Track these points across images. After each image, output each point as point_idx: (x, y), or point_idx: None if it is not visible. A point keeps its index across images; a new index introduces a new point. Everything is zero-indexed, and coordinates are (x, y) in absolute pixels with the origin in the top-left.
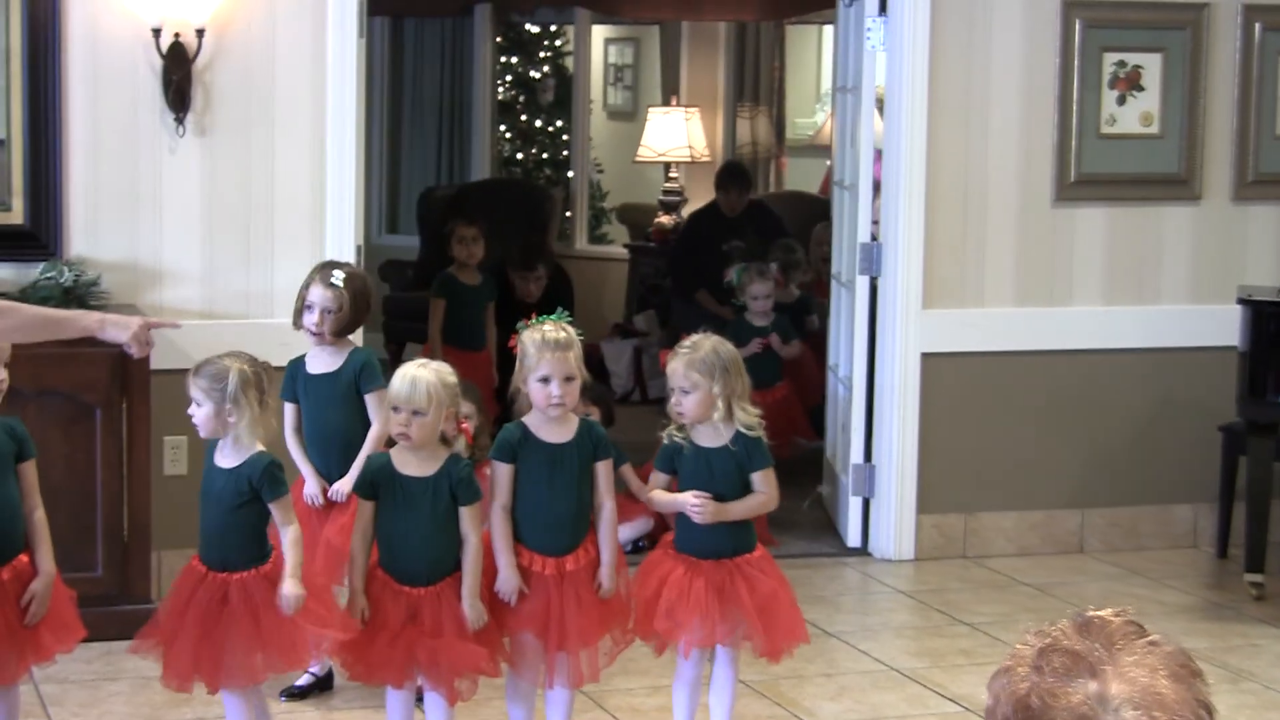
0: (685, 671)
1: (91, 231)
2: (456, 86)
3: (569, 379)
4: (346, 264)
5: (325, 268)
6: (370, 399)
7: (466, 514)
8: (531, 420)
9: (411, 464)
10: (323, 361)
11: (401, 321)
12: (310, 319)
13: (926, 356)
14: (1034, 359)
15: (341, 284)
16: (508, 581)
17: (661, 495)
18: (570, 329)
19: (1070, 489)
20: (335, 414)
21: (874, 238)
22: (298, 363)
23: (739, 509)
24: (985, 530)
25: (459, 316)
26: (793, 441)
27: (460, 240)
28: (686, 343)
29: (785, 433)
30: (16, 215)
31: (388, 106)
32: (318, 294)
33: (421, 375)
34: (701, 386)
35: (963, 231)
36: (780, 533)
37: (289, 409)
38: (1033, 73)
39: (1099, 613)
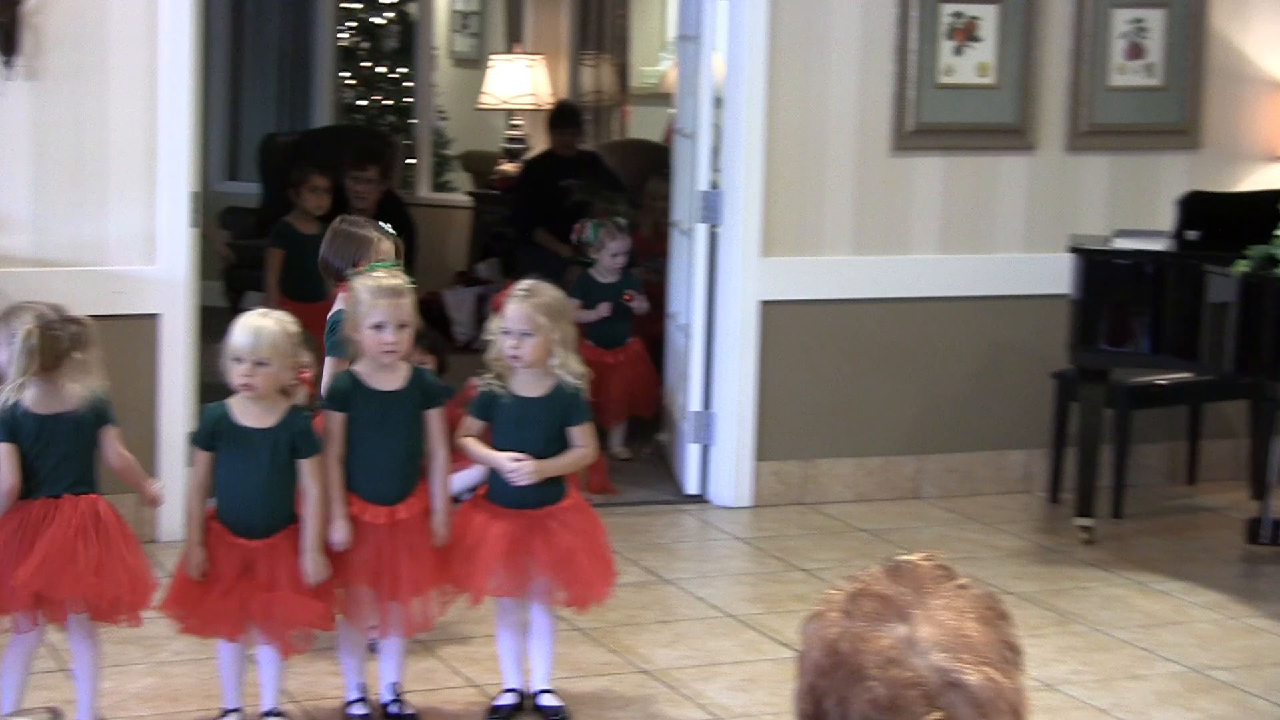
0: (502, 619)
1: None
2: (298, 32)
3: (402, 326)
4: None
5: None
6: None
7: (307, 466)
8: (362, 368)
9: (251, 415)
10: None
11: (242, 269)
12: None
13: (765, 304)
14: (872, 307)
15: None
16: (339, 532)
17: (477, 448)
18: (403, 276)
19: (907, 436)
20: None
21: (714, 186)
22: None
23: (557, 465)
24: (823, 477)
25: (299, 266)
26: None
27: (313, 190)
28: (524, 285)
29: (642, 389)
30: None
31: (228, 52)
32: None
33: (265, 325)
34: (543, 330)
35: (801, 180)
36: (619, 480)
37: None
38: (871, 22)
39: (909, 557)
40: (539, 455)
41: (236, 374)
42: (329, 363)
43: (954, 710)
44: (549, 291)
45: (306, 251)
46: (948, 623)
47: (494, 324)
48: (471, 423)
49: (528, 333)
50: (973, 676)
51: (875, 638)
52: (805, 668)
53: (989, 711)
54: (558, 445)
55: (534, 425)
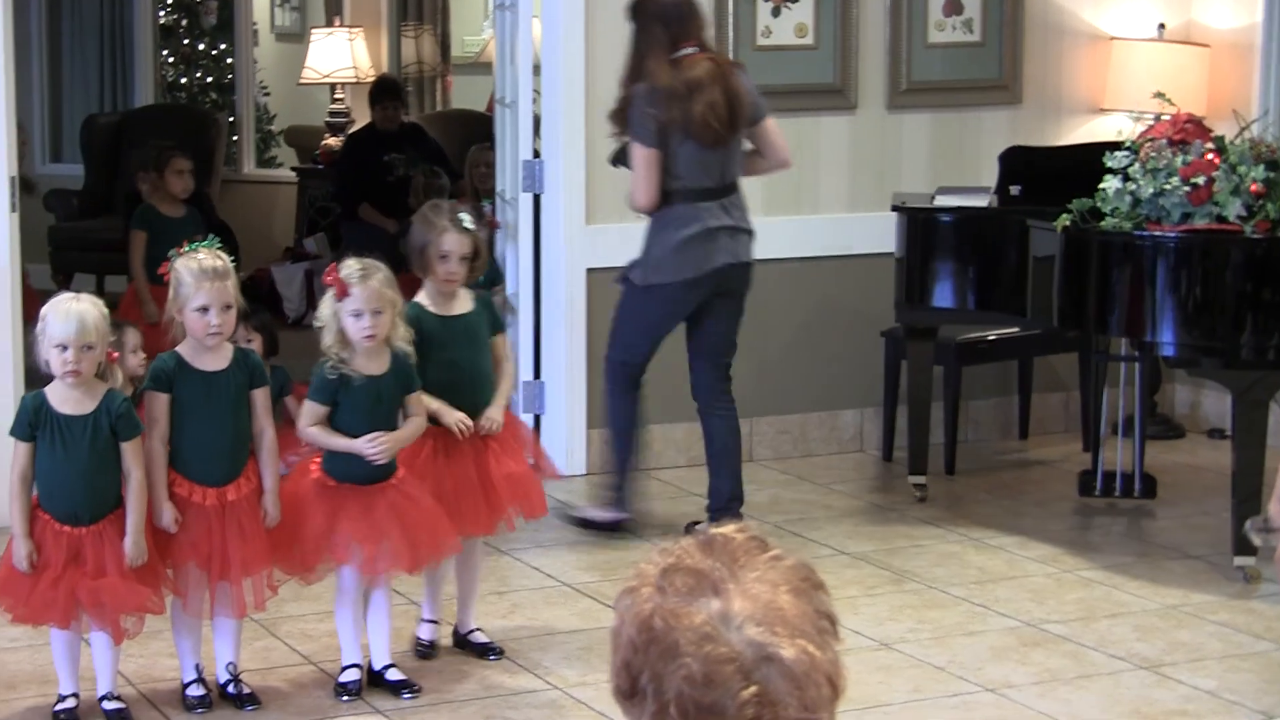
0: (348, 596)
1: None
2: (117, 10)
3: (227, 307)
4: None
5: (445, 210)
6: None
7: (128, 449)
8: (186, 349)
9: (69, 402)
10: (450, 304)
11: (70, 252)
12: (446, 268)
13: (591, 272)
14: None
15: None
16: (165, 514)
17: (327, 436)
18: (225, 256)
19: (739, 398)
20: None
21: (536, 154)
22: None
23: (405, 436)
24: (657, 443)
25: (163, 249)
26: None
27: (178, 173)
28: (358, 265)
29: None
30: None
31: (46, 32)
32: (453, 241)
33: (85, 309)
34: (392, 305)
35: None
36: None
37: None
38: None
39: (722, 529)
40: (387, 427)
41: (61, 361)
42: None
43: (769, 684)
44: (381, 266)
45: (170, 233)
46: (761, 596)
47: (332, 308)
48: (316, 409)
49: (379, 310)
50: (787, 650)
51: (689, 614)
52: (620, 644)
53: (804, 684)
54: (397, 417)
55: (385, 402)
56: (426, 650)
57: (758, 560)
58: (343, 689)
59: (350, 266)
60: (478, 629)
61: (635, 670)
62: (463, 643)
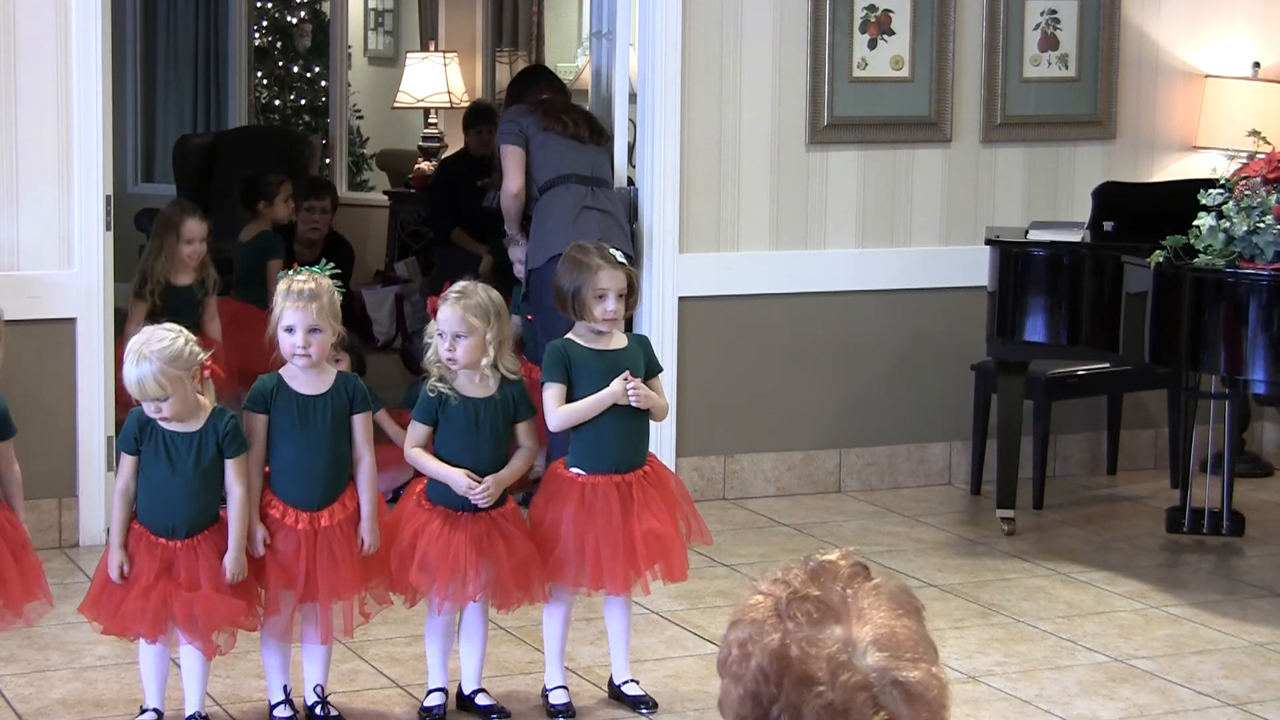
0: (437, 621)
1: None
2: (211, 31)
3: (313, 330)
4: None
5: (593, 249)
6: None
7: (232, 466)
8: (287, 371)
9: (173, 423)
10: (603, 340)
11: None
12: (606, 308)
13: (684, 300)
14: (790, 301)
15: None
16: (253, 536)
17: (429, 461)
18: (324, 280)
19: (827, 429)
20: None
21: (631, 183)
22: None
23: (512, 474)
24: (745, 472)
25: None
26: None
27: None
28: (456, 288)
29: None
30: None
31: (141, 53)
32: (608, 278)
33: (147, 354)
34: (477, 331)
35: (718, 175)
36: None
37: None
38: (785, 16)
39: (828, 557)
40: (491, 455)
41: (146, 409)
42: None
43: (896, 708)
44: (482, 293)
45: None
46: (879, 621)
47: (430, 327)
48: (418, 429)
49: (460, 334)
50: (912, 673)
51: (820, 641)
52: (742, 674)
53: (928, 707)
54: (505, 444)
55: (485, 426)
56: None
57: (865, 587)
58: (426, 713)
59: (452, 287)
60: (631, 680)
61: (766, 701)
62: (616, 694)
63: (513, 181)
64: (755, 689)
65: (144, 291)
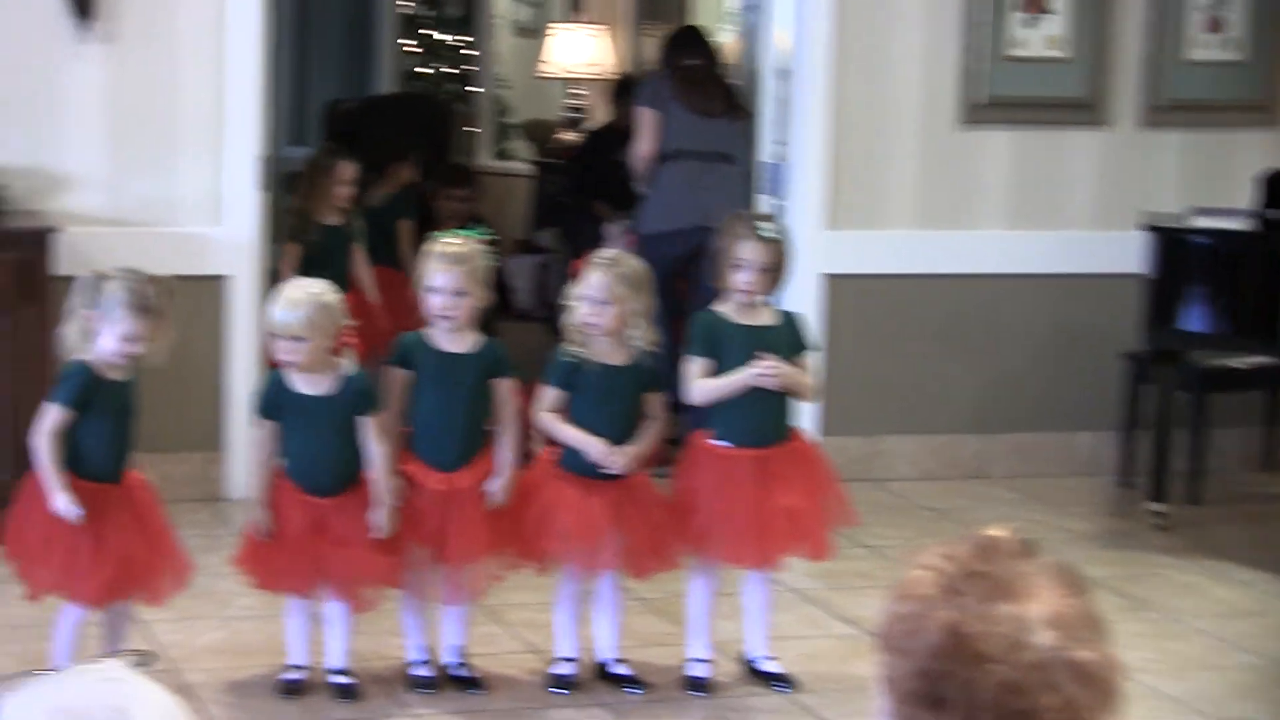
0: (570, 589)
1: None
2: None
3: (459, 293)
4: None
5: (746, 218)
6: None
7: (370, 425)
8: (432, 331)
9: (308, 382)
10: (750, 314)
11: None
12: (741, 279)
13: (830, 278)
14: (937, 282)
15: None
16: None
17: (561, 427)
18: (474, 245)
19: (972, 414)
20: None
21: (778, 158)
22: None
23: (644, 445)
24: (887, 454)
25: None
26: None
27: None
28: (607, 255)
29: None
30: None
31: (295, 18)
32: (750, 250)
33: (300, 299)
34: (622, 300)
35: (867, 153)
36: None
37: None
38: None
39: (996, 533)
40: (624, 423)
41: (280, 349)
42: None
43: (1072, 687)
44: (630, 262)
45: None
46: (1050, 599)
47: (573, 291)
48: (552, 393)
49: (606, 301)
50: (1086, 653)
51: (994, 619)
52: (911, 650)
53: (1099, 686)
54: (637, 413)
55: (619, 394)
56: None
57: (1032, 564)
58: (554, 680)
59: (601, 253)
60: (769, 657)
61: (937, 677)
62: (751, 670)
63: (643, 144)
64: (926, 665)
65: (298, 234)
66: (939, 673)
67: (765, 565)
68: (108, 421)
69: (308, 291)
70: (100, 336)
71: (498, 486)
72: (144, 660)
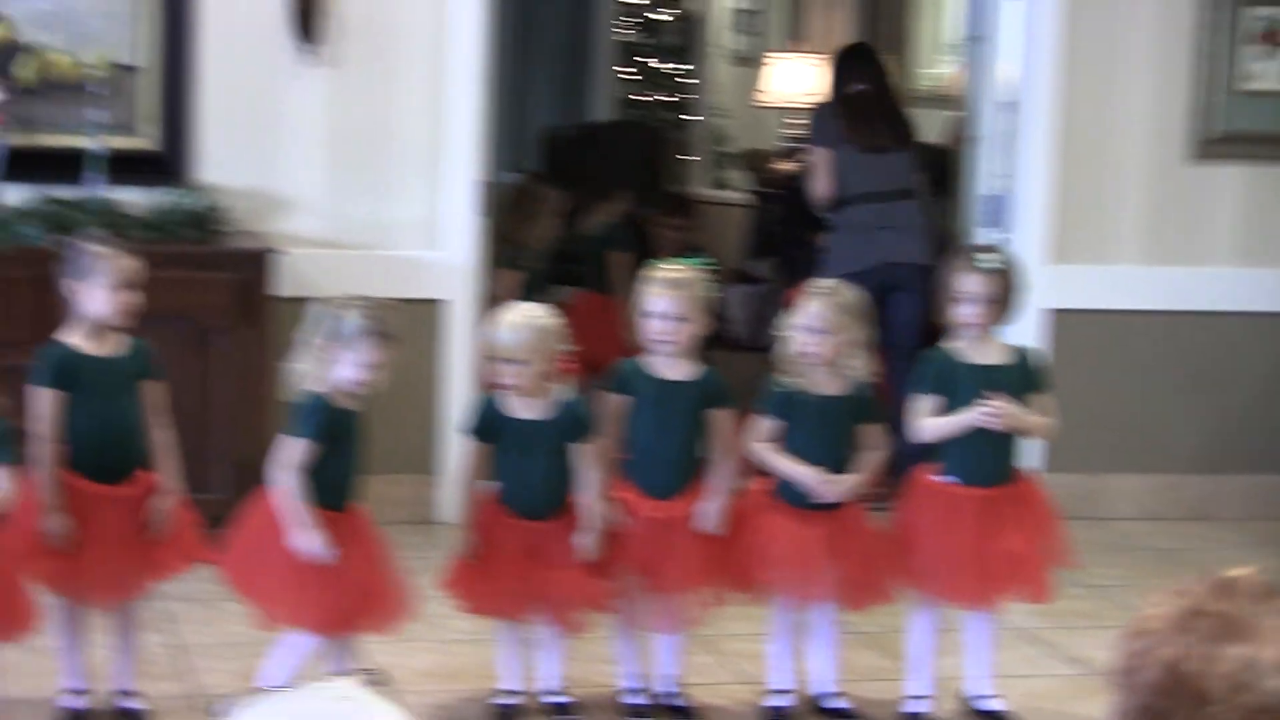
0: (784, 619)
1: (221, 159)
2: (579, 26)
3: (679, 319)
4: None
5: (967, 250)
6: None
7: (585, 450)
8: (650, 358)
9: (523, 407)
10: (980, 350)
11: None
12: (964, 310)
13: (1054, 313)
14: (1166, 319)
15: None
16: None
17: (775, 458)
18: (695, 272)
19: (1200, 454)
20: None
21: (999, 190)
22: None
23: (861, 478)
24: (1110, 492)
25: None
26: None
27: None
28: (826, 284)
29: None
30: (150, 140)
31: (514, 45)
32: (971, 282)
33: (522, 323)
34: (840, 330)
35: (1094, 187)
36: None
37: None
38: (1169, 26)
39: (1237, 573)
40: (839, 453)
41: (500, 373)
42: None
43: None
44: (848, 291)
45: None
46: None
47: (789, 320)
48: (766, 423)
49: (824, 331)
50: None
51: (1219, 659)
52: (1137, 686)
53: None
54: (851, 443)
55: (835, 424)
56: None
57: (1274, 606)
58: (768, 712)
59: (820, 283)
60: (990, 695)
61: (1156, 714)
62: (970, 709)
63: (819, 185)
64: (1148, 702)
65: (517, 261)
66: (1159, 710)
67: (983, 605)
68: (340, 451)
69: (528, 315)
70: (338, 365)
71: (710, 512)
72: (376, 679)
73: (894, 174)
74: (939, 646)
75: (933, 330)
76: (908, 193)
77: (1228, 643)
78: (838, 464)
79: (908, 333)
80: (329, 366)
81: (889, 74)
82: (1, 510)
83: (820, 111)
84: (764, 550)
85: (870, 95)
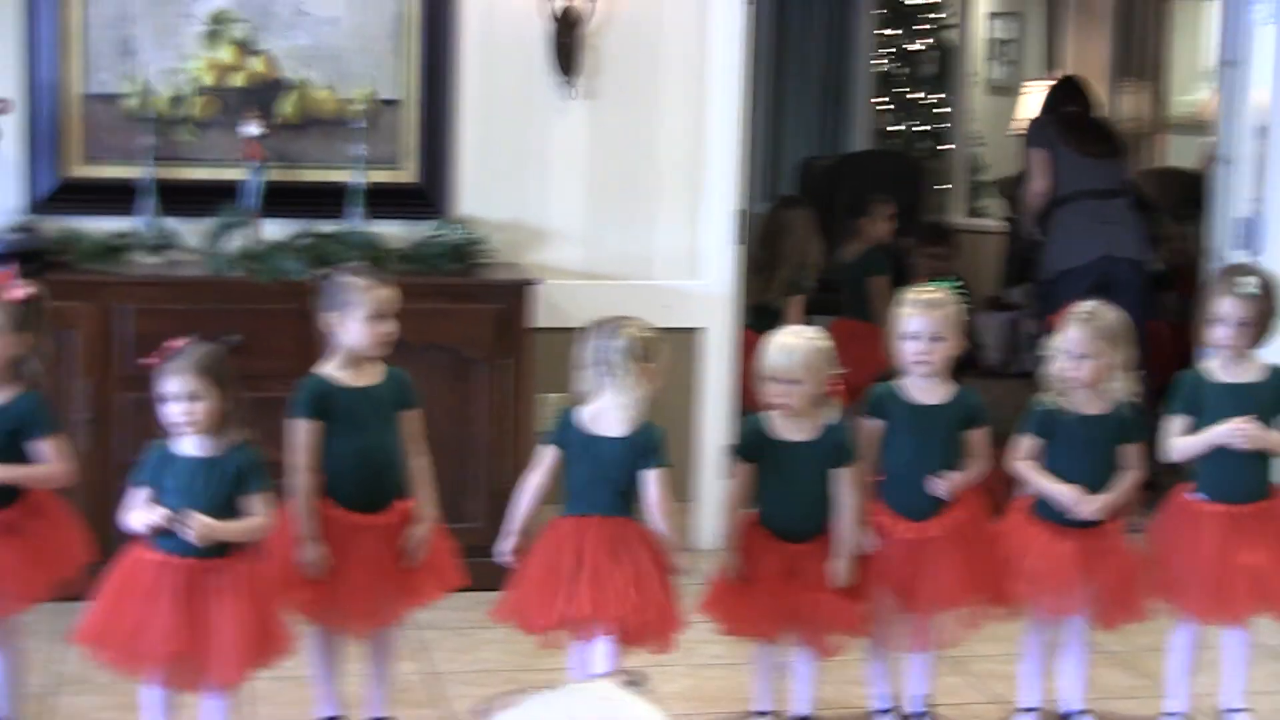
0: (1036, 637)
1: (480, 191)
2: (837, 57)
3: (934, 338)
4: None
5: (1228, 274)
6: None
7: (845, 475)
8: (905, 382)
9: (789, 429)
10: (1237, 371)
11: None
12: (1222, 333)
13: None
14: None
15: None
16: (866, 539)
17: (1034, 475)
18: (947, 294)
19: None
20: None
21: (1253, 214)
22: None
23: (1118, 497)
24: None
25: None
26: None
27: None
28: (1087, 307)
29: None
30: (410, 174)
31: (771, 76)
32: (1228, 305)
33: (797, 345)
34: (1101, 354)
35: None
36: None
37: None
38: None
39: None
40: (1099, 472)
41: (772, 393)
42: None
43: None
44: (1110, 314)
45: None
46: None
47: (1053, 342)
48: (1029, 441)
49: (1085, 355)
50: None
51: None
52: None
53: None
54: (1111, 463)
55: (1095, 443)
56: None
57: None
58: None
59: (1081, 306)
60: (1240, 709)
61: None
62: None
63: (1038, 182)
64: None
65: (800, 285)
66: None
67: (1227, 621)
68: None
69: (803, 337)
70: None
71: (944, 486)
72: (636, 681)
73: (1107, 176)
74: (1195, 664)
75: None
76: (1122, 192)
77: None
78: (1097, 483)
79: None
80: (594, 389)
81: (1097, 103)
82: (258, 537)
83: (1036, 121)
84: (1017, 563)
85: (1081, 114)
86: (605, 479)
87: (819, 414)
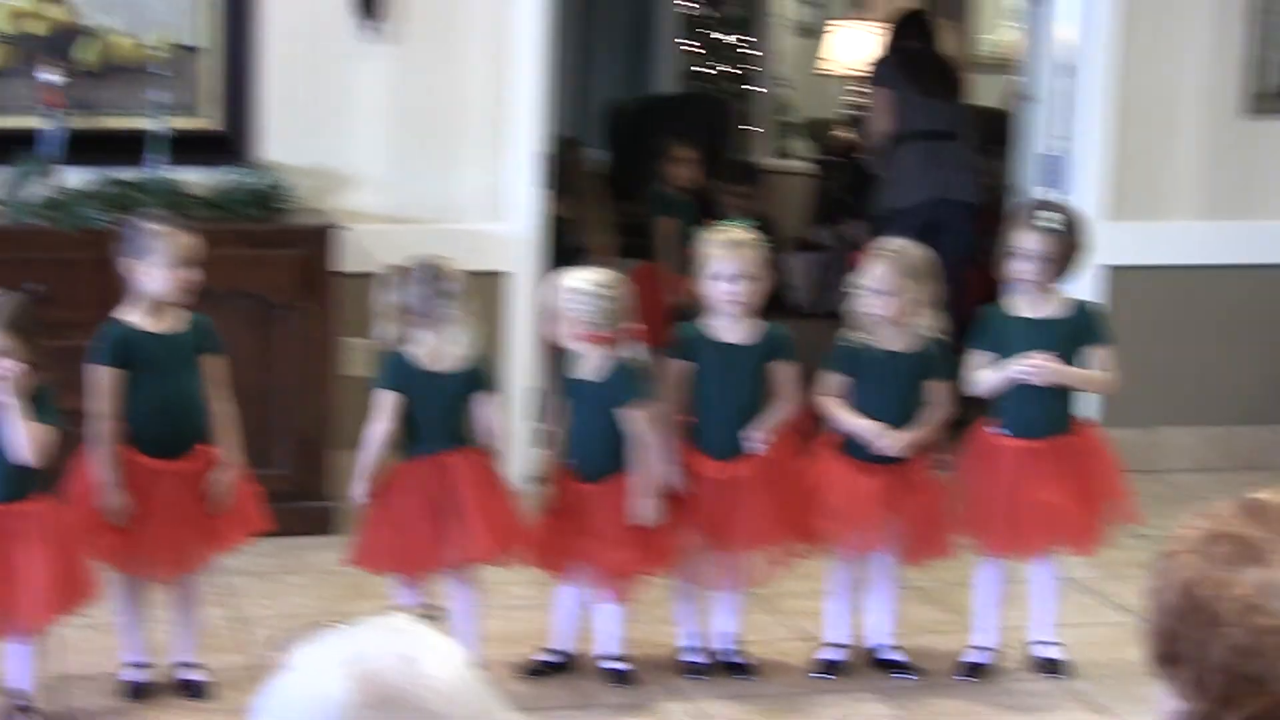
0: (841, 574)
1: (284, 137)
2: (642, 1)
3: (745, 278)
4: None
5: (1027, 208)
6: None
7: (638, 414)
8: (710, 321)
9: (587, 368)
10: (1035, 306)
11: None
12: (1016, 267)
13: (1111, 269)
14: (1220, 273)
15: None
16: (674, 478)
17: (838, 411)
18: (746, 232)
19: (1253, 405)
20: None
21: (1056, 151)
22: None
23: (922, 433)
24: (1165, 445)
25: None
26: None
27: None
28: (892, 245)
29: None
30: (213, 120)
31: (578, 19)
32: (1029, 240)
33: (585, 287)
34: (905, 291)
35: (1150, 144)
36: None
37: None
38: None
39: (1268, 496)
40: (903, 409)
41: (566, 334)
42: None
43: None
44: (915, 251)
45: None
46: None
47: (855, 280)
48: (835, 379)
49: (889, 292)
50: None
51: (1233, 582)
52: (1159, 608)
53: None
54: (917, 399)
55: (899, 380)
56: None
57: None
58: (822, 665)
59: (887, 244)
60: (1049, 642)
61: (1174, 636)
62: (1033, 656)
63: (881, 121)
64: (1164, 623)
65: (671, 209)
66: (1174, 631)
67: (1022, 556)
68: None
69: (609, 278)
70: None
71: (757, 437)
72: (431, 614)
73: (945, 118)
74: (1003, 598)
75: (984, 277)
76: (955, 136)
77: (1243, 566)
78: (903, 419)
79: (954, 270)
80: (409, 328)
81: (939, 38)
82: (43, 463)
83: (881, 60)
84: (820, 499)
85: (925, 51)
86: (450, 414)
87: (615, 354)
